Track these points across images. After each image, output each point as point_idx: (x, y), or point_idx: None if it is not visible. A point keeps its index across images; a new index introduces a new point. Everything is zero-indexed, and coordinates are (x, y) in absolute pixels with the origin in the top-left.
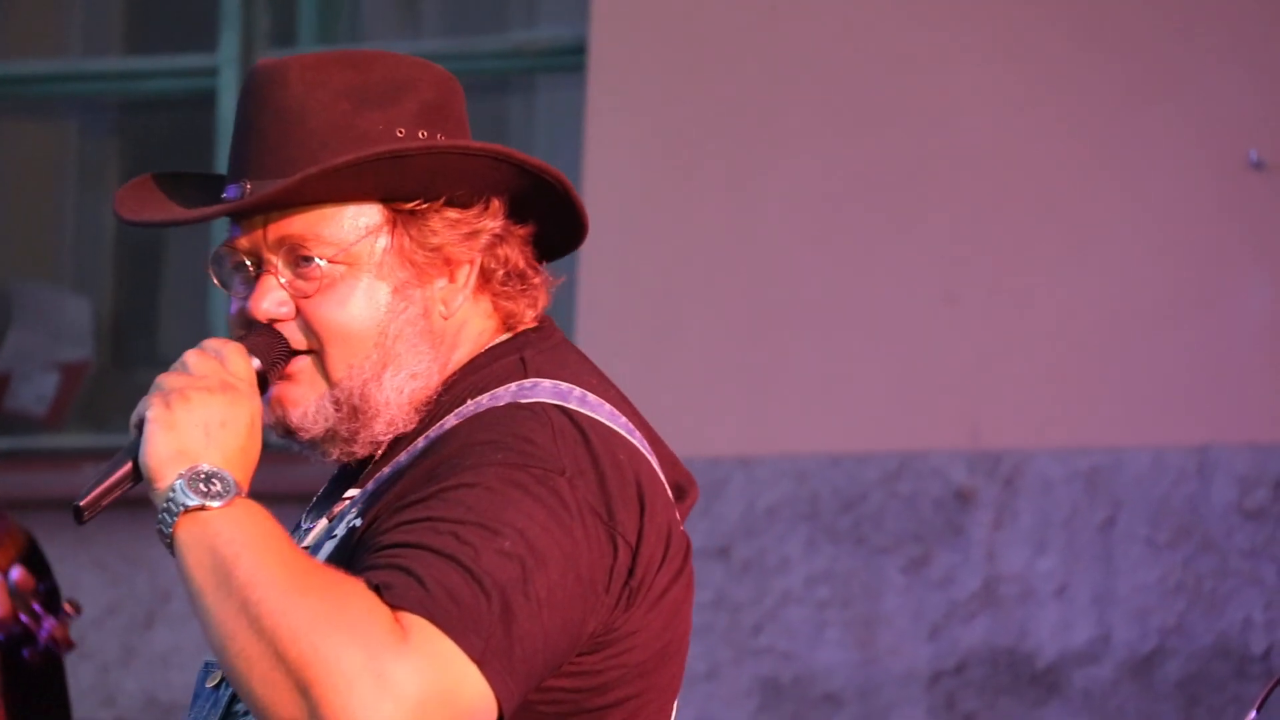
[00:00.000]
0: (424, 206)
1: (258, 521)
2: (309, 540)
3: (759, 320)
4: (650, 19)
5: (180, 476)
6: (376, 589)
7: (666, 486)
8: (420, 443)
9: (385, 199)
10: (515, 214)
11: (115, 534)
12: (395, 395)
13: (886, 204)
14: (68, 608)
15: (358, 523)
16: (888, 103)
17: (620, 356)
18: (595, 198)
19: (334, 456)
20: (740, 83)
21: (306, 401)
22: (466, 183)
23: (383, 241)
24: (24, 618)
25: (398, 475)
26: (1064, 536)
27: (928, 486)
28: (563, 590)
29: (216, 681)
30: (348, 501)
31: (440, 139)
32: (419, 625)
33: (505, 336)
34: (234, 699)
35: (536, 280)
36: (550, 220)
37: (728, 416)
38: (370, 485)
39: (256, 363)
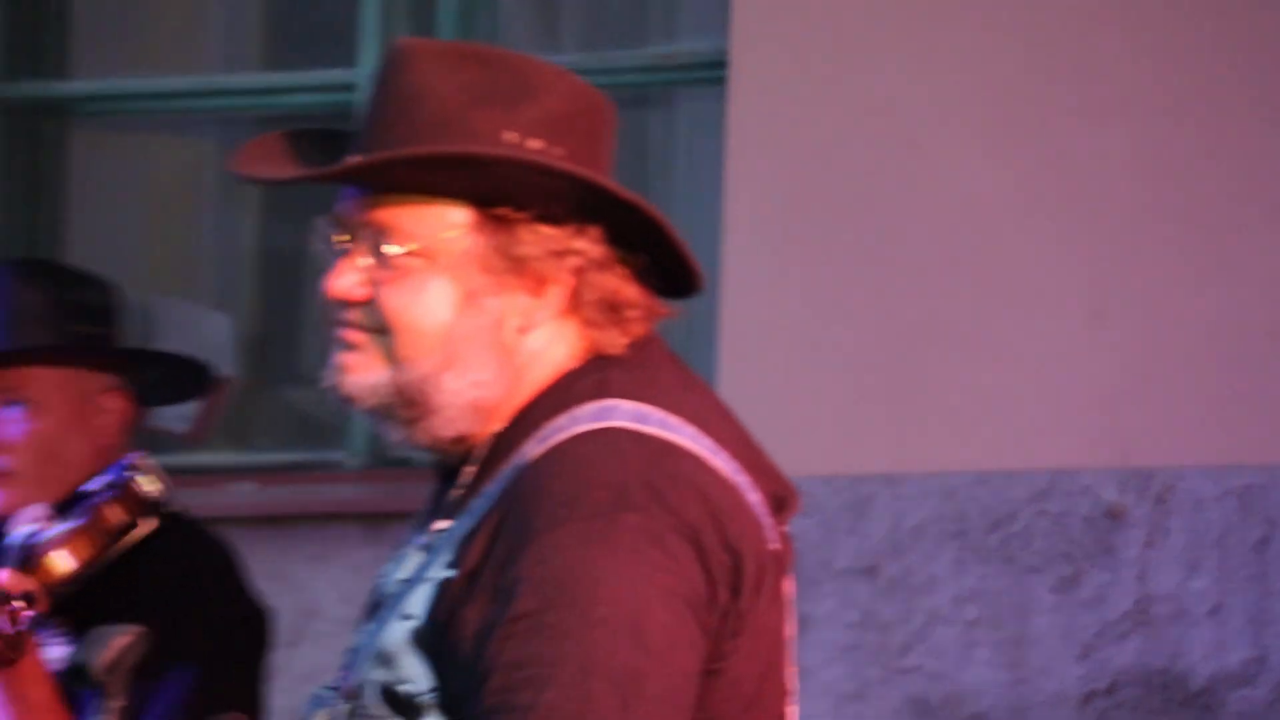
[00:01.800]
0: (513, 215)
1: None
2: (405, 573)
3: (905, 337)
4: (791, 31)
5: None
6: None
7: (753, 504)
8: (507, 470)
9: (476, 202)
10: (625, 245)
11: (261, 552)
12: (454, 398)
13: (1033, 220)
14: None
15: (450, 574)
16: (1034, 116)
17: (764, 374)
18: (736, 212)
19: (398, 437)
20: (884, 96)
21: (364, 373)
22: (561, 202)
23: (464, 243)
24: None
25: (482, 520)
26: (1217, 555)
27: (1077, 505)
28: (676, 624)
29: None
30: (439, 534)
31: (556, 152)
32: None
33: (582, 363)
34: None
35: (632, 314)
36: (665, 259)
37: (874, 435)
38: (460, 522)
39: None
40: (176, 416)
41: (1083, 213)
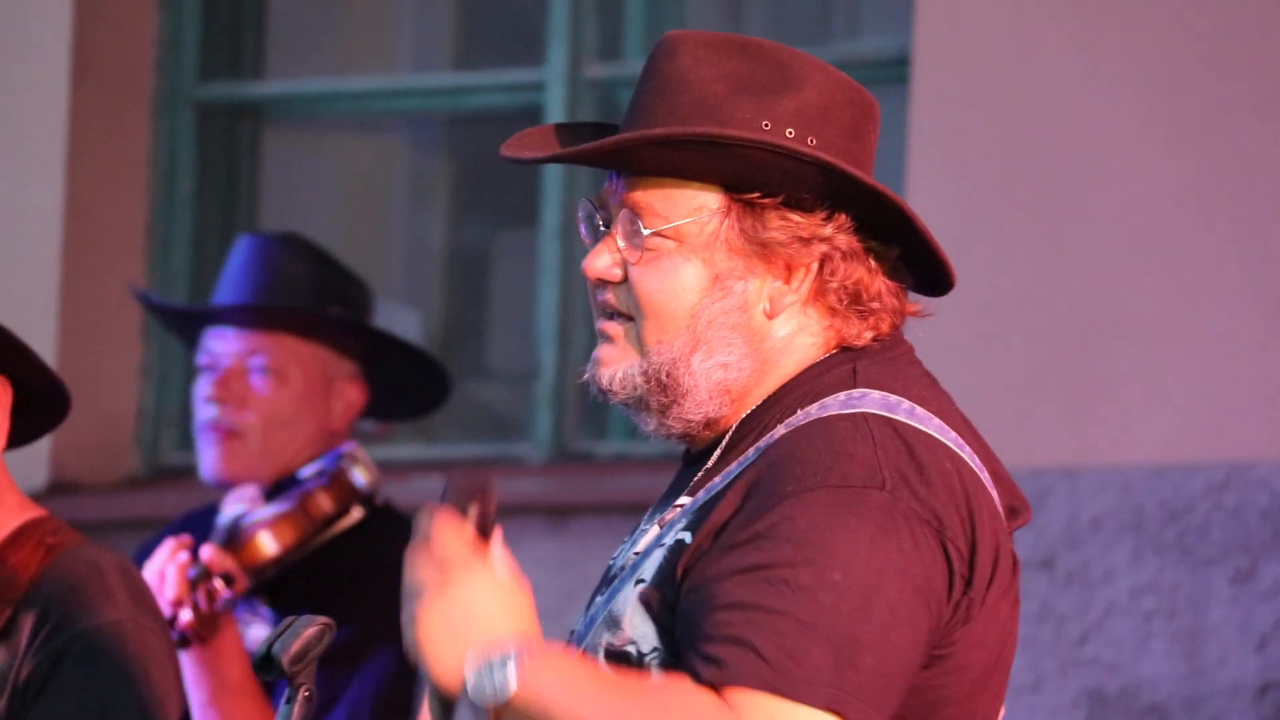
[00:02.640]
0: (763, 200)
1: (549, 674)
2: (640, 545)
3: (1083, 331)
4: (974, 29)
5: (467, 685)
6: (713, 663)
7: (996, 501)
8: (751, 452)
9: (727, 186)
10: (880, 237)
11: None
12: (704, 380)
13: (1212, 214)
14: (218, 586)
15: (687, 536)
16: (1213, 113)
17: (943, 368)
18: (919, 210)
19: (651, 427)
20: (1063, 94)
21: (617, 364)
22: (806, 187)
23: (714, 226)
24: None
25: (727, 488)
26: None
27: (1255, 497)
28: (904, 607)
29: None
30: (679, 509)
31: (810, 142)
32: (751, 701)
33: (835, 351)
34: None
35: (877, 305)
36: (914, 254)
37: (1051, 427)
38: (701, 495)
39: (470, 523)
40: None
41: (1259, 208)
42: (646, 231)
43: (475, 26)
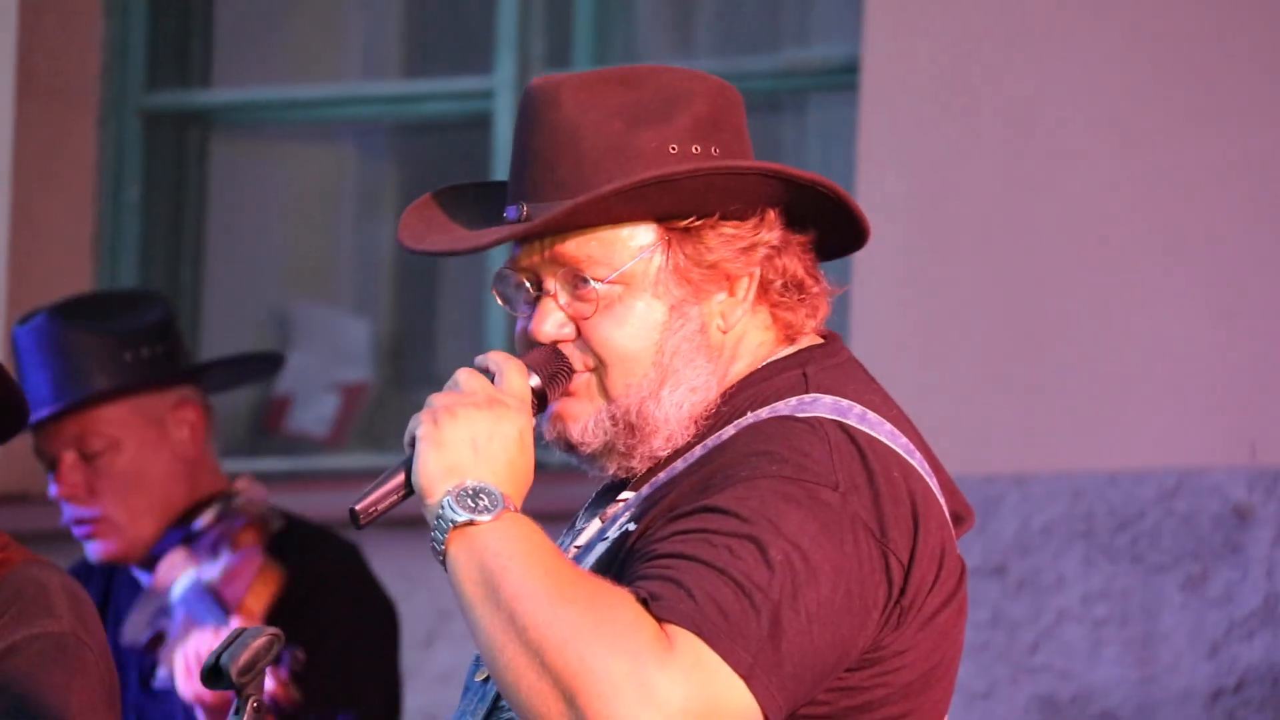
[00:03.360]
0: (698, 224)
1: (525, 534)
2: (582, 539)
3: (1034, 338)
4: (924, 37)
5: (449, 493)
6: (645, 600)
7: (944, 508)
8: (698, 450)
9: (659, 218)
10: (792, 222)
11: (394, 553)
12: (674, 411)
13: (1163, 221)
14: (296, 658)
15: (631, 526)
16: (1164, 119)
17: (894, 374)
18: (869, 215)
19: (611, 470)
20: (1014, 101)
21: (585, 417)
22: (739, 197)
23: (658, 260)
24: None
25: (673, 482)
26: None
27: (1206, 504)
28: (832, 605)
29: (485, 677)
30: (622, 504)
31: (714, 153)
32: (684, 638)
33: (787, 350)
34: (500, 696)
35: (815, 289)
36: (828, 225)
37: (1002, 434)
38: (645, 489)
39: (535, 380)
40: (315, 420)
41: (1211, 214)
42: (597, 285)
43: (424, 34)
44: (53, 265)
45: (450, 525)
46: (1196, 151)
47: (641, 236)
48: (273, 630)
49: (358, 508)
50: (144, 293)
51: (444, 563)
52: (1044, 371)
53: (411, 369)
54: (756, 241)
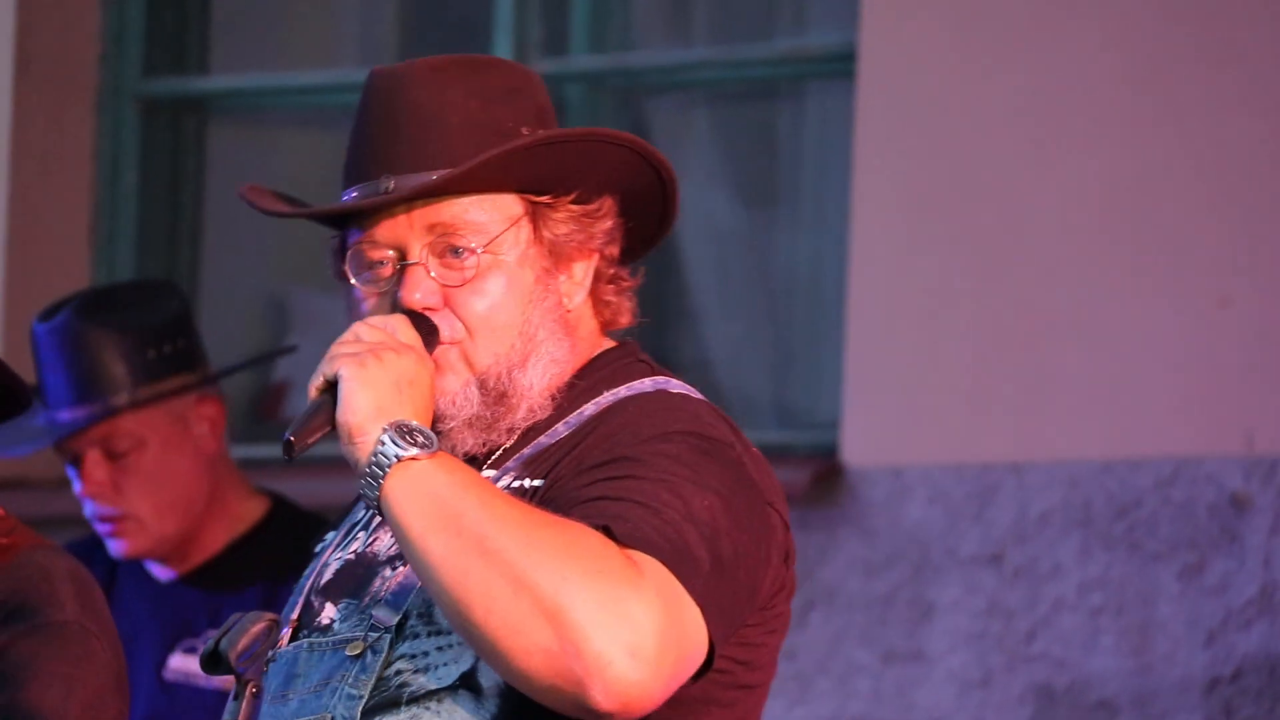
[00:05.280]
0: (554, 200)
1: (465, 468)
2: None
3: (1031, 326)
4: (921, 24)
5: (385, 431)
6: (604, 529)
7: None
8: (560, 428)
9: (522, 190)
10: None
11: None
12: (539, 381)
13: (1160, 208)
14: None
15: (530, 483)
16: (1161, 106)
17: (890, 362)
18: (865, 204)
19: (469, 446)
20: (1011, 88)
21: (453, 389)
22: (593, 178)
23: (526, 232)
24: None
25: (559, 445)
26: None
27: (1203, 492)
28: (749, 555)
29: (358, 651)
30: (490, 475)
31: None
32: (650, 563)
33: (610, 345)
34: (387, 664)
35: (628, 282)
36: (644, 220)
37: (999, 423)
38: (527, 451)
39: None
40: None
41: (1209, 201)
42: (477, 250)
43: (420, 21)
44: (50, 251)
45: (394, 460)
46: (1195, 138)
47: (511, 207)
48: (271, 615)
49: (292, 439)
50: (157, 284)
51: (376, 499)
52: (1041, 360)
53: None
54: (599, 226)
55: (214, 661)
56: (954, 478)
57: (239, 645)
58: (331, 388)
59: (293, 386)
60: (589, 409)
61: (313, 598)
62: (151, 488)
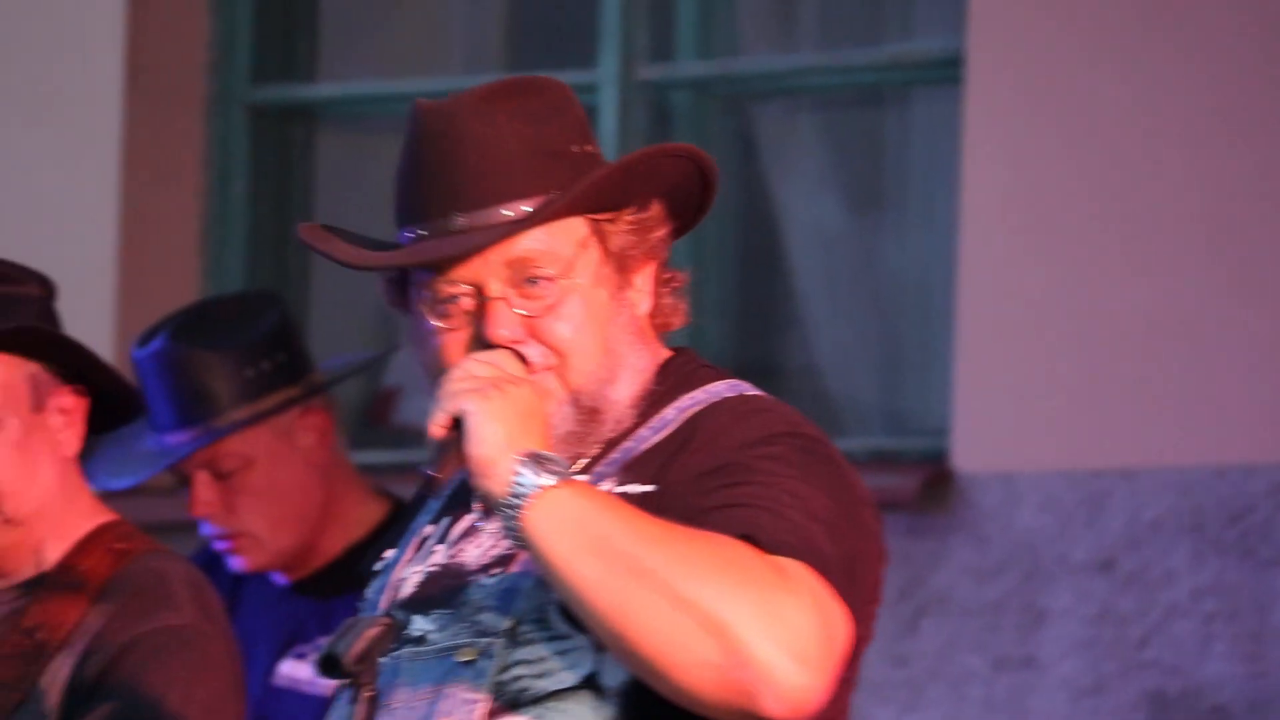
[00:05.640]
0: (617, 216)
1: (601, 492)
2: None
3: (1142, 331)
4: (1029, 29)
5: (519, 461)
6: (745, 538)
7: None
8: (645, 433)
9: (586, 211)
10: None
11: None
12: (625, 393)
13: (1269, 213)
14: None
15: (638, 488)
16: (1269, 107)
17: (1001, 367)
18: (973, 210)
19: (569, 454)
20: (1122, 91)
21: (552, 411)
22: (652, 190)
23: (594, 253)
24: None
25: (648, 453)
26: None
27: None
28: (864, 553)
29: (469, 658)
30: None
31: (598, 150)
32: (796, 568)
33: (668, 350)
34: (502, 669)
35: (678, 282)
36: (682, 215)
37: (1110, 429)
38: (603, 469)
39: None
40: (421, 413)
41: None
42: (554, 278)
43: (526, 28)
44: (161, 259)
45: (532, 489)
46: None
47: (578, 230)
48: (386, 619)
49: (437, 475)
50: (256, 296)
51: (516, 529)
52: (1152, 366)
53: None
54: (655, 233)
55: (330, 665)
56: (1065, 484)
57: (355, 649)
58: (456, 424)
59: (403, 392)
60: (670, 413)
61: (394, 611)
62: (263, 505)
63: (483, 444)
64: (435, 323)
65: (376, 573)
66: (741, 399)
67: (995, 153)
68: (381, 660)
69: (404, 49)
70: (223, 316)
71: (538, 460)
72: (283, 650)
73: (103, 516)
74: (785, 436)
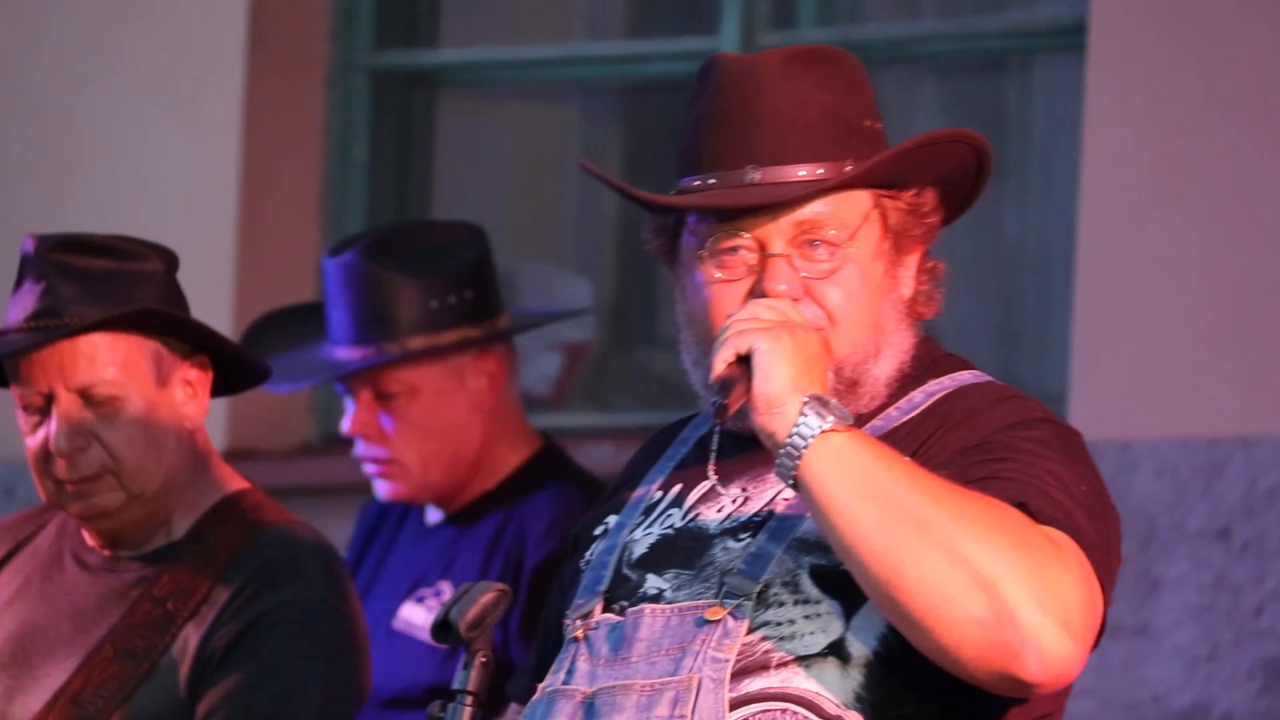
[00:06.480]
0: (899, 194)
1: (879, 442)
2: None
3: (1260, 299)
4: None
5: (805, 403)
6: (1019, 505)
7: None
8: (894, 413)
9: (877, 185)
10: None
11: None
12: (884, 371)
13: None
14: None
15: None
16: None
17: (1119, 336)
18: (1095, 178)
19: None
20: (1242, 62)
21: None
22: (932, 174)
23: (877, 227)
24: None
25: (897, 430)
26: None
27: None
28: (1115, 537)
29: (719, 616)
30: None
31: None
32: (1067, 542)
33: (918, 340)
34: (750, 630)
35: (940, 271)
36: (949, 204)
37: (1227, 396)
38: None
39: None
40: (537, 378)
41: None
42: (838, 244)
43: None
44: (281, 222)
45: (817, 431)
46: None
47: (864, 202)
48: (500, 586)
49: (726, 403)
50: (461, 227)
51: (793, 468)
52: (1270, 334)
53: (634, 328)
54: (929, 219)
55: (444, 630)
56: (1181, 452)
57: (469, 615)
58: (742, 360)
59: (519, 357)
60: (918, 397)
61: (626, 571)
62: (419, 437)
63: (770, 382)
64: (712, 272)
65: (597, 537)
66: (990, 385)
67: (1116, 121)
68: (601, 618)
69: (526, 15)
70: (422, 242)
71: (822, 404)
72: (407, 593)
73: (233, 485)
74: (1043, 422)
